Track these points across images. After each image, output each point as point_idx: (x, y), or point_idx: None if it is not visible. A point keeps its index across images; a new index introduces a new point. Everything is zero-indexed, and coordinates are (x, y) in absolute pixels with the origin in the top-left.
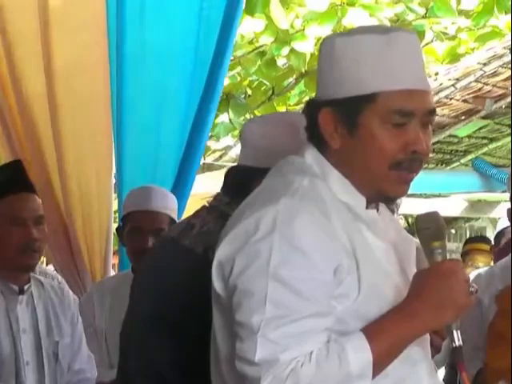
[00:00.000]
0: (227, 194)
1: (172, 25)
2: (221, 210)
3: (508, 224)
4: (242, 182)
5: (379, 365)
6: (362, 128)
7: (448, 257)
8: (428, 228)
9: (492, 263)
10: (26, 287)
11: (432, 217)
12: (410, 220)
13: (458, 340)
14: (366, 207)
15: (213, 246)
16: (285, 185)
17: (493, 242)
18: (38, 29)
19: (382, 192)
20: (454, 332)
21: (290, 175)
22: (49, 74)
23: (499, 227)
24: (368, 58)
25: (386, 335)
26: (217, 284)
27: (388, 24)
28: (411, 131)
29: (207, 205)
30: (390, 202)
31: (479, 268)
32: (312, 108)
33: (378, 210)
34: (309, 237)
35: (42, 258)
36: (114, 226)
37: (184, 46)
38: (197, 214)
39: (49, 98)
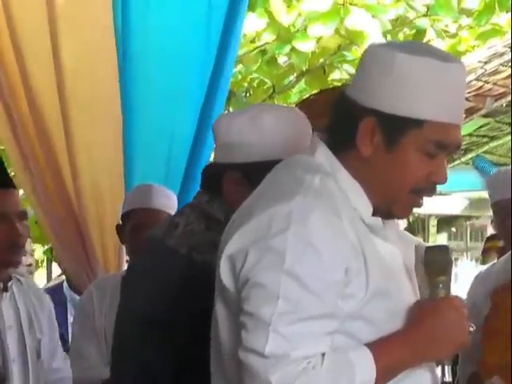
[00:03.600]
0: (206, 191)
1: (180, 22)
2: (201, 208)
3: None
4: (212, 179)
5: (378, 382)
6: (399, 147)
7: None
8: (436, 261)
9: None
10: (9, 284)
11: (442, 252)
12: (410, 219)
13: (448, 376)
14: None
15: (196, 247)
16: (294, 181)
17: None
18: (46, 25)
19: (390, 210)
20: (446, 368)
21: (299, 172)
22: (58, 71)
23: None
24: (426, 83)
25: (387, 356)
26: (225, 278)
27: (389, 25)
28: (438, 162)
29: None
30: (391, 219)
31: None
32: (354, 111)
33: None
34: (323, 236)
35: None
36: None
37: (192, 44)
38: (181, 212)
39: (59, 95)
